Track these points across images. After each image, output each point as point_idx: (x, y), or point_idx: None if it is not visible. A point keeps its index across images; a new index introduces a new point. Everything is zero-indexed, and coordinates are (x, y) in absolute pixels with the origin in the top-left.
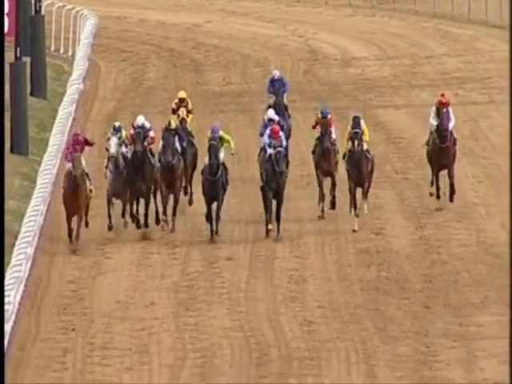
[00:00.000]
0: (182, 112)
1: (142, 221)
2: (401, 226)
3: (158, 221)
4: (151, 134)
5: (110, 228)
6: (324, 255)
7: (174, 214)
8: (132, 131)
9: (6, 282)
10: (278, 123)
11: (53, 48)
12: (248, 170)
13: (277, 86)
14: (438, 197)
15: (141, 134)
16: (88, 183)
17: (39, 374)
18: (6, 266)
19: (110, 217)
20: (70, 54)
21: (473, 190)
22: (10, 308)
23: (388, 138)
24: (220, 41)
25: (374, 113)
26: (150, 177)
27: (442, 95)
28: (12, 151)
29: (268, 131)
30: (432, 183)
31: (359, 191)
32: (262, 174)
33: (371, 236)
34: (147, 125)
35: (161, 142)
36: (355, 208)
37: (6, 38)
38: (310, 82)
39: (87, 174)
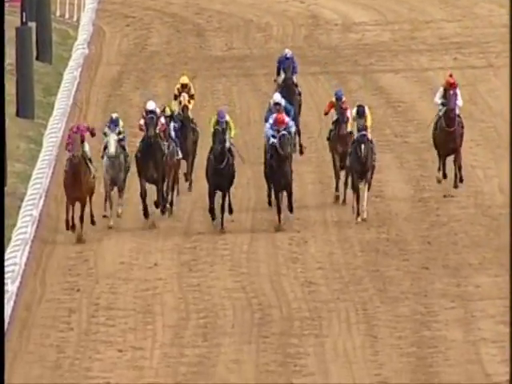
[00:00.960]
0: (184, 98)
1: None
2: (400, 189)
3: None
4: (162, 120)
5: (105, 216)
6: (325, 217)
7: (170, 203)
8: (142, 121)
9: (11, 244)
10: (285, 108)
11: (58, 13)
12: (249, 133)
13: (287, 65)
14: (440, 181)
15: (154, 119)
16: (91, 168)
17: (45, 334)
18: (12, 227)
19: (105, 209)
20: (75, 19)
21: (471, 153)
22: (16, 269)
23: (387, 102)
24: (222, 6)
25: (374, 77)
26: (162, 163)
27: (450, 75)
28: (18, 115)
29: (271, 120)
30: (439, 169)
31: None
32: (265, 163)
33: (371, 198)
34: (158, 111)
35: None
36: (358, 213)
37: (13, 3)
38: (311, 46)
39: (90, 159)
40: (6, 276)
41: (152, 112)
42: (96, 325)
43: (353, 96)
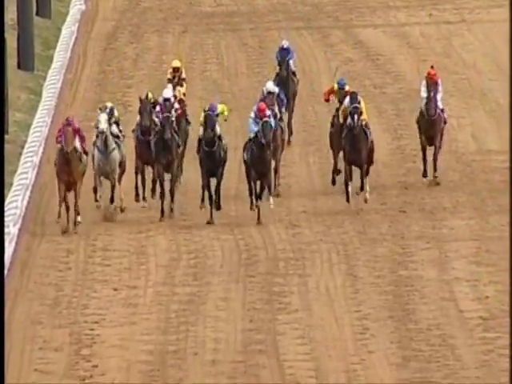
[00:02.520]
0: (179, 92)
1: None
2: (378, 137)
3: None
4: (176, 105)
5: (98, 206)
6: (308, 164)
7: (152, 191)
8: (158, 108)
9: (13, 189)
10: (278, 95)
11: None
12: (237, 84)
13: (283, 56)
14: (425, 172)
15: (170, 118)
16: (82, 159)
17: (44, 274)
18: (13, 173)
19: (96, 200)
20: None
21: (445, 103)
22: (18, 212)
23: (367, 56)
24: None
25: (355, 32)
26: (176, 154)
27: (432, 67)
28: (19, 67)
29: (253, 114)
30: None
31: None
32: (244, 155)
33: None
34: (173, 100)
35: (138, 116)
36: (351, 179)
37: None
38: (294, 3)
39: (81, 153)
40: (8, 219)
41: (167, 100)
42: (92, 265)
43: (334, 49)
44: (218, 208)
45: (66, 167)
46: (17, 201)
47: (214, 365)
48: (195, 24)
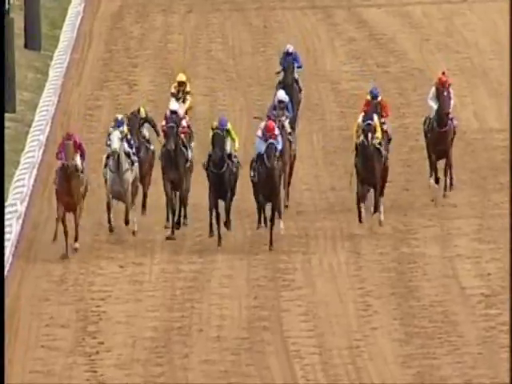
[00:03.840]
0: (181, 107)
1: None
2: None
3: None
4: (184, 122)
5: (111, 230)
6: (311, 142)
7: (143, 208)
8: (164, 122)
9: (20, 167)
10: (286, 107)
11: None
12: (241, 64)
13: (288, 62)
14: (437, 182)
15: (173, 128)
16: (83, 179)
17: (51, 251)
18: (21, 152)
19: (110, 222)
20: None
21: None
22: (25, 190)
23: (370, 35)
24: None
25: (358, 11)
26: (185, 170)
27: (443, 73)
28: (26, 47)
29: (260, 133)
30: (431, 174)
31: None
32: (250, 173)
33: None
34: (180, 112)
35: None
36: (364, 200)
37: None
38: None
39: (82, 171)
40: (15, 197)
41: (174, 113)
42: (99, 242)
43: (338, 29)
44: (228, 227)
45: (66, 185)
46: (24, 179)
47: (218, 341)
48: (200, 4)
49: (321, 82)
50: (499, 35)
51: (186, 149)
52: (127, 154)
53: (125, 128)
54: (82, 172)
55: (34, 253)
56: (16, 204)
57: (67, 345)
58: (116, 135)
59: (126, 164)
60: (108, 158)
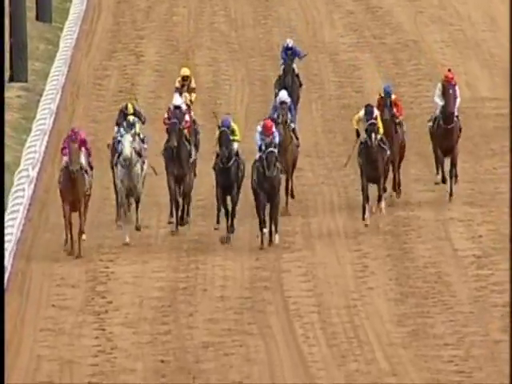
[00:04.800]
0: (186, 98)
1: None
2: (378, 85)
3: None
4: (187, 117)
5: (138, 228)
6: (311, 111)
7: (136, 207)
8: (166, 115)
9: (32, 134)
10: (289, 108)
11: None
12: (243, 36)
13: (288, 56)
14: (444, 181)
15: (176, 125)
16: (87, 179)
17: (62, 214)
18: (33, 119)
19: (125, 214)
20: None
21: (441, 53)
22: (36, 156)
23: (367, 8)
24: None
25: None
26: (188, 165)
27: (449, 70)
28: (38, 19)
29: (259, 128)
30: (437, 172)
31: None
32: (252, 176)
33: (352, 93)
34: (184, 107)
35: (115, 128)
36: (368, 201)
37: None
38: None
39: (86, 171)
40: (27, 162)
41: (178, 108)
42: (107, 206)
43: (336, 2)
44: (232, 231)
45: (70, 186)
46: (35, 145)
47: (222, 300)
48: None
49: (319, 53)
50: (491, 8)
51: (190, 144)
52: (138, 152)
53: (137, 127)
54: (86, 172)
55: (46, 215)
56: (28, 169)
57: (77, 304)
58: (127, 139)
59: (136, 160)
60: (119, 156)
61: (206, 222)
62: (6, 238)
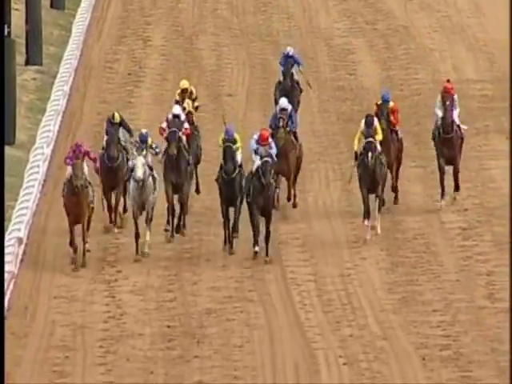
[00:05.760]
0: (188, 105)
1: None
2: (370, 68)
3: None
4: (186, 125)
5: (137, 238)
6: (307, 91)
7: (115, 214)
8: (164, 124)
9: (46, 114)
10: (290, 116)
11: None
12: (245, 22)
13: (288, 63)
14: (443, 194)
15: (176, 133)
16: (90, 193)
17: None
18: (47, 100)
19: (137, 233)
20: None
21: (429, 38)
22: (50, 135)
23: None
24: None
25: None
26: (186, 173)
27: (448, 81)
28: (52, 6)
29: (256, 136)
30: (441, 181)
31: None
32: (248, 189)
33: (346, 76)
34: (182, 116)
35: (105, 137)
36: (368, 217)
37: None
38: None
39: (89, 183)
40: (41, 141)
41: (177, 116)
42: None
43: None
44: (236, 235)
45: (73, 199)
46: (49, 125)
47: (224, 270)
48: None
49: (315, 38)
50: None
51: (188, 153)
52: (150, 167)
53: (148, 140)
54: (89, 184)
55: (59, 190)
56: (43, 147)
57: (89, 273)
58: (140, 161)
59: (148, 175)
60: (132, 170)
61: (210, 196)
62: (22, 211)
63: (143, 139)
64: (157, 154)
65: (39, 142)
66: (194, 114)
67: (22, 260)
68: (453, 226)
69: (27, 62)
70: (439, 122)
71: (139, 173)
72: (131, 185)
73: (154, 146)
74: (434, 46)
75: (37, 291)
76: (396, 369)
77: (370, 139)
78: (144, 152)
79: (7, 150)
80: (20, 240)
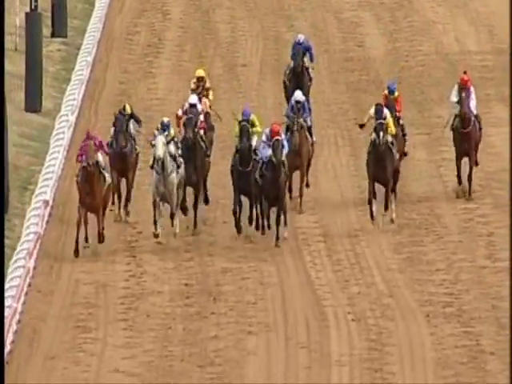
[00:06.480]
0: (205, 105)
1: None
2: (377, 40)
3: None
4: (201, 117)
5: (156, 236)
6: (318, 62)
7: (126, 204)
8: (180, 112)
9: (71, 83)
10: (303, 106)
11: None
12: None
13: (297, 50)
14: (460, 183)
15: (192, 119)
16: (106, 176)
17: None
18: (71, 70)
19: (155, 223)
20: None
21: (433, 11)
22: (75, 103)
23: None
24: None
25: None
26: (202, 164)
27: (465, 72)
28: None
29: (267, 131)
30: (458, 173)
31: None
32: (256, 180)
33: (354, 47)
34: (199, 106)
35: (112, 128)
36: (372, 216)
37: None
38: None
39: (104, 168)
40: (66, 109)
41: (193, 106)
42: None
43: None
44: (251, 222)
45: (88, 186)
46: (74, 94)
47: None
48: None
49: (326, 12)
50: None
51: (205, 143)
52: (173, 157)
53: (171, 131)
54: (103, 169)
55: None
56: (68, 115)
57: (111, 234)
58: (161, 140)
59: (171, 166)
60: (154, 161)
61: (225, 161)
62: (48, 175)
63: (166, 126)
64: (178, 147)
65: (64, 109)
66: (210, 114)
67: (47, 221)
68: (456, 186)
69: (53, 35)
70: (456, 113)
71: (160, 152)
72: (154, 176)
73: (175, 139)
74: (438, 19)
75: (62, 251)
76: (401, 325)
77: (381, 121)
78: (166, 133)
79: (35, 117)
80: (46, 202)
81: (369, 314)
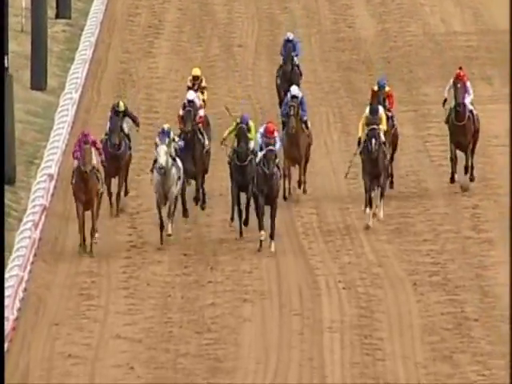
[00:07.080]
0: (199, 99)
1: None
2: (367, 21)
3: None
4: (201, 112)
5: (169, 235)
6: (310, 43)
7: (116, 199)
8: (181, 112)
9: (75, 63)
10: (300, 102)
11: None
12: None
13: (287, 47)
14: (452, 179)
15: (191, 112)
16: (99, 180)
17: (101, 130)
18: (75, 51)
19: (162, 223)
20: None
21: None
22: (78, 81)
23: None
24: None
25: None
26: (200, 157)
27: (460, 68)
28: None
29: (262, 130)
30: (453, 167)
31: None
32: (252, 178)
33: (345, 28)
34: (197, 102)
35: (108, 125)
36: (370, 206)
37: None
38: None
39: (98, 171)
40: (70, 87)
41: (191, 102)
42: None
43: None
44: (246, 223)
45: (83, 186)
46: (78, 72)
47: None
48: None
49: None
50: None
51: (203, 136)
52: (173, 158)
53: (171, 134)
54: (97, 171)
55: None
56: (71, 92)
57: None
58: (163, 149)
59: (171, 168)
60: (154, 164)
61: (220, 136)
62: (53, 150)
63: (166, 133)
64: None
65: (68, 87)
66: (203, 107)
67: (52, 194)
68: (442, 163)
69: (57, 16)
70: (450, 106)
71: (162, 160)
72: (155, 174)
73: (176, 139)
74: (425, 2)
75: (66, 223)
76: (390, 293)
77: (374, 126)
78: (167, 141)
79: (40, 95)
80: (51, 176)
81: (359, 282)
